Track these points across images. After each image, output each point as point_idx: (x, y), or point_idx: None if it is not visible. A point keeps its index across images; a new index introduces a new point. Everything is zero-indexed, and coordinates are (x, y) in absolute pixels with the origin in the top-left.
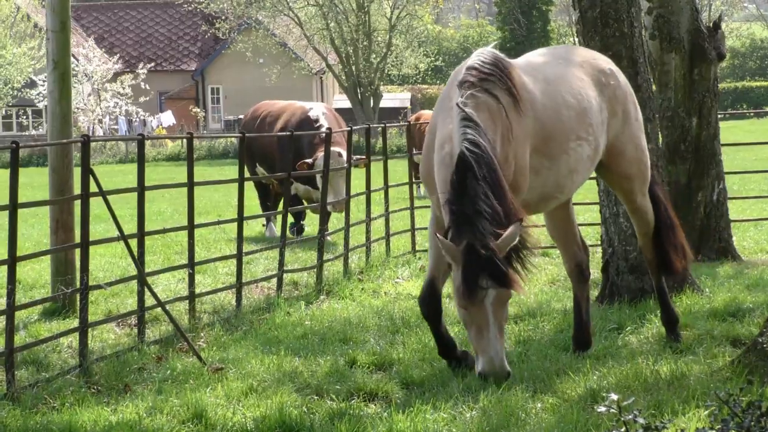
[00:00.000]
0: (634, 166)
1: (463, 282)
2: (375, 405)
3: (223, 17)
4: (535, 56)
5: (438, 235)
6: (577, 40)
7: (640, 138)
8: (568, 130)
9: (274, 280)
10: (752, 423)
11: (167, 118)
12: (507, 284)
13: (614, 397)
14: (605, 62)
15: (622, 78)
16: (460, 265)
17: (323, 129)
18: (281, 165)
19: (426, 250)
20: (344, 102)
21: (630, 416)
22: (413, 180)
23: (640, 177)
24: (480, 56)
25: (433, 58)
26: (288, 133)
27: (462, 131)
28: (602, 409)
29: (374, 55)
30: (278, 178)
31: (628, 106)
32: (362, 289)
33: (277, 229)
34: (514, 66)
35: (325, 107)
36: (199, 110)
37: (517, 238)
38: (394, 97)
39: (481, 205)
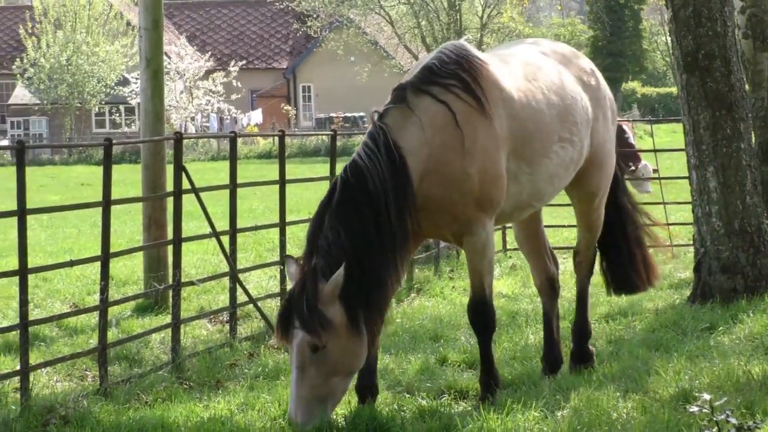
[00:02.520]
0: (604, 181)
1: (279, 314)
2: (465, 403)
3: (315, 15)
4: (513, 50)
5: (290, 257)
6: (669, 39)
7: (612, 149)
8: (550, 131)
9: None
10: None
11: (256, 116)
12: (307, 330)
13: (706, 397)
14: (587, 61)
15: (602, 80)
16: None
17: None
18: None
19: (517, 249)
20: None
21: (722, 416)
22: None
23: (603, 193)
24: (442, 53)
25: None
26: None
27: (359, 150)
28: (694, 409)
29: None
30: None
31: (607, 112)
32: (453, 287)
33: None
34: (485, 63)
35: None
36: (290, 108)
37: (340, 283)
38: None
39: (324, 244)
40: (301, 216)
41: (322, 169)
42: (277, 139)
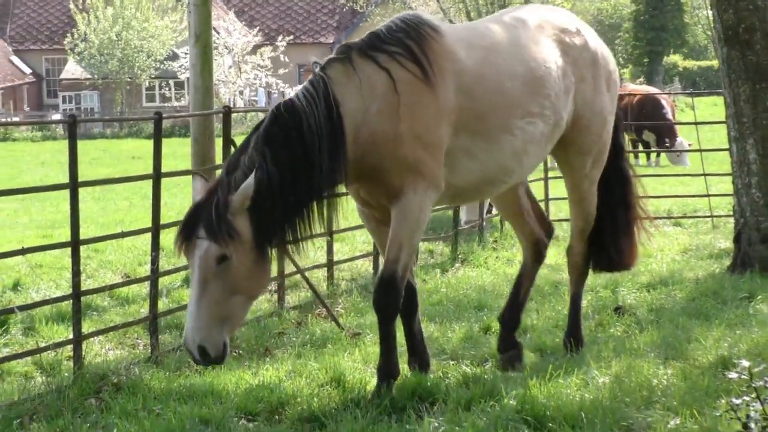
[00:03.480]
0: (596, 146)
1: (181, 224)
2: (508, 370)
3: None
4: (487, 20)
5: (198, 173)
6: (710, 13)
7: (608, 113)
8: (512, 104)
9: None
10: None
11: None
12: (214, 238)
13: (745, 363)
14: (570, 20)
15: (591, 39)
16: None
17: None
18: None
19: (559, 220)
20: None
21: (761, 382)
22: None
23: (597, 159)
24: (393, 22)
25: None
26: None
27: (298, 93)
28: (733, 375)
29: None
30: None
31: (598, 71)
32: (496, 257)
33: None
34: (439, 32)
35: None
36: None
37: (250, 194)
38: None
39: (245, 161)
40: None
41: None
42: None
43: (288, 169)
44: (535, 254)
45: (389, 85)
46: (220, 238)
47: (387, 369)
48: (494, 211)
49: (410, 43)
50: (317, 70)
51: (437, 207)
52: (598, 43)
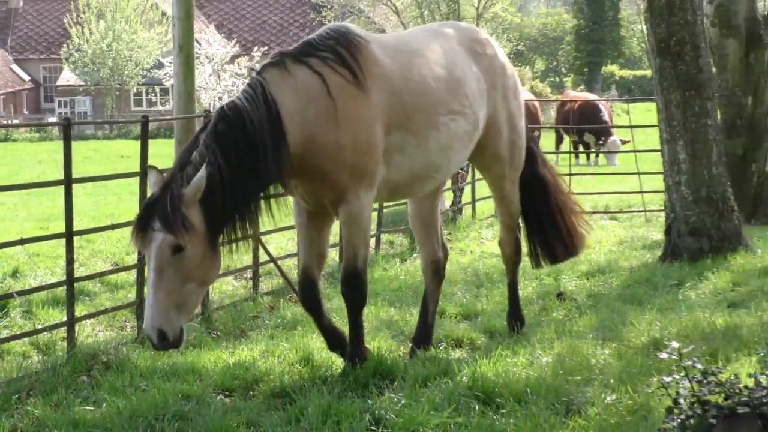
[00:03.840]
0: (508, 150)
1: (137, 217)
2: (461, 350)
3: (329, 6)
4: (409, 32)
5: (152, 167)
6: (644, 27)
7: (518, 120)
8: (436, 102)
9: (372, 240)
10: None
11: None
12: (170, 229)
13: (675, 345)
14: (479, 32)
15: (499, 51)
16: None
17: None
18: None
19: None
20: None
21: (689, 362)
22: None
23: (512, 162)
24: (323, 31)
25: (515, 43)
26: None
27: (239, 95)
28: (664, 355)
29: None
30: None
31: (507, 82)
32: (451, 248)
33: None
34: (366, 41)
35: None
36: None
37: (202, 187)
38: None
39: (195, 157)
40: None
41: None
42: None
43: (235, 163)
44: (435, 274)
45: (323, 88)
46: (175, 229)
47: (357, 353)
48: (447, 204)
49: (341, 50)
50: (254, 74)
51: (396, 203)
52: (504, 56)
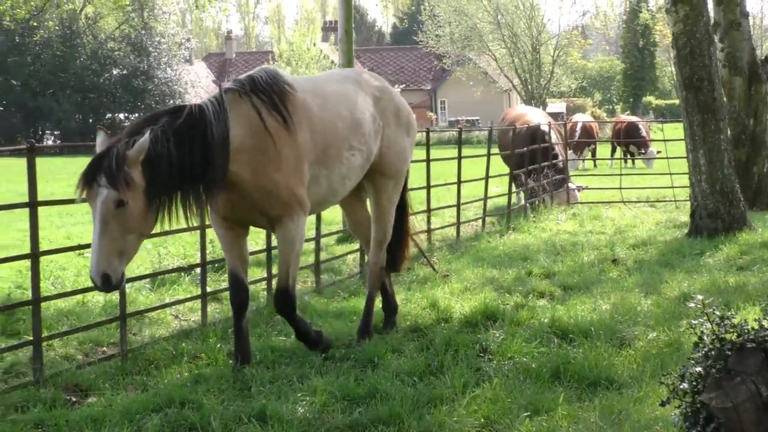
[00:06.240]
0: (397, 173)
1: (83, 172)
2: (544, 300)
3: (447, 55)
4: (324, 75)
5: (102, 128)
6: (674, 68)
7: (406, 153)
8: (342, 139)
9: (480, 222)
10: None
11: None
12: (113, 185)
13: (699, 297)
14: (380, 81)
15: (395, 95)
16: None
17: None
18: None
19: (579, 203)
20: (556, 107)
21: (710, 310)
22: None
23: (395, 184)
24: (260, 72)
25: (579, 81)
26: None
27: (206, 101)
28: (691, 305)
29: (542, 79)
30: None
31: (400, 121)
32: (535, 226)
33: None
34: (293, 87)
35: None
36: (432, 114)
37: (145, 149)
38: (555, 106)
39: (155, 128)
40: (439, 181)
41: (452, 152)
42: (425, 133)
43: (187, 151)
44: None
45: (262, 127)
46: (118, 184)
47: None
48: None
49: (274, 96)
50: (220, 92)
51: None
52: (400, 100)
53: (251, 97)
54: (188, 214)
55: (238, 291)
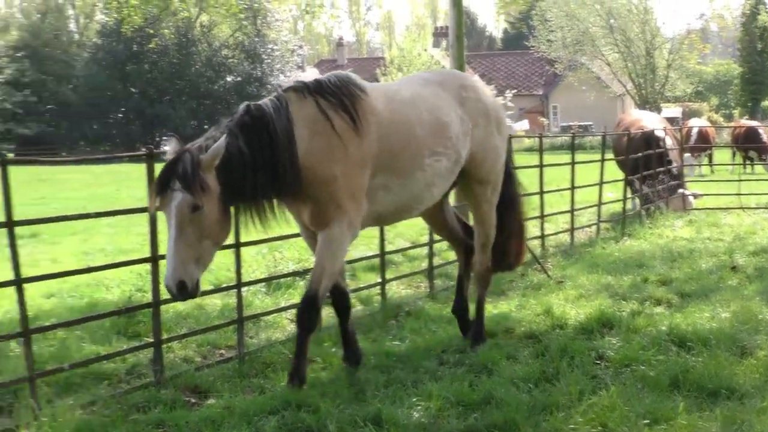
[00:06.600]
0: (489, 176)
1: (157, 179)
2: (661, 307)
3: (560, 60)
4: (400, 81)
5: (173, 136)
6: None
7: (499, 152)
8: (422, 146)
9: (594, 227)
10: None
11: (524, 124)
12: (188, 189)
13: None
14: (466, 78)
15: (483, 93)
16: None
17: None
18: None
19: (695, 209)
20: (671, 112)
21: None
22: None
23: (492, 186)
24: (330, 76)
25: (695, 85)
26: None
27: (265, 101)
28: None
29: (657, 83)
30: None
31: (490, 119)
32: (651, 233)
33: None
34: (365, 91)
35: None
36: (544, 119)
37: (220, 153)
38: (670, 111)
39: (217, 135)
40: (552, 187)
41: (565, 157)
42: (537, 139)
43: (256, 146)
44: (467, 258)
45: (328, 127)
46: (194, 188)
47: (297, 375)
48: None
49: (344, 98)
50: (280, 91)
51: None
52: (489, 97)
53: (316, 98)
54: (264, 217)
55: (338, 297)
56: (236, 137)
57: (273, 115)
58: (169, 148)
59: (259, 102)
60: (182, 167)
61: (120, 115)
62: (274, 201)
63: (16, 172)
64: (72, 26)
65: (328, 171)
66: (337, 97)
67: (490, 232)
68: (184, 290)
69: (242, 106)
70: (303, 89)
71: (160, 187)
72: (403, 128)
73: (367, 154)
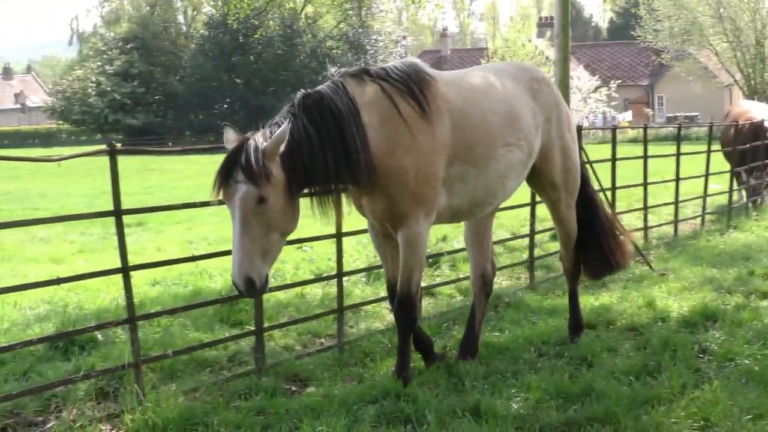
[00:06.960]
0: (562, 175)
1: (218, 170)
2: (767, 301)
3: (666, 50)
4: (471, 70)
5: (228, 125)
6: None
7: (571, 149)
8: (495, 136)
9: (699, 219)
10: None
11: (628, 115)
12: (253, 180)
13: None
14: (537, 71)
15: (553, 87)
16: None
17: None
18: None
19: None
20: None
21: None
22: None
23: (566, 188)
24: (397, 63)
25: None
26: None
27: (320, 88)
28: None
29: (766, 74)
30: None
31: (561, 115)
32: (758, 225)
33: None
34: (434, 78)
35: None
36: (649, 110)
37: (284, 139)
38: None
39: (280, 120)
40: (657, 178)
41: (670, 149)
42: (642, 130)
43: (320, 123)
44: (483, 287)
45: (395, 113)
46: (258, 179)
47: (403, 371)
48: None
49: (411, 84)
50: (335, 77)
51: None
52: (558, 93)
53: (380, 84)
54: (333, 206)
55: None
56: (300, 120)
57: (332, 96)
58: (228, 137)
59: (318, 89)
60: (245, 157)
61: (225, 106)
62: (342, 193)
63: (126, 162)
64: (180, 18)
65: (398, 162)
66: (404, 83)
67: (571, 231)
68: (252, 287)
69: (299, 93)
70: (362, 75)
71: (223, 178)
72: (476, 117)
73: (439, 141)
